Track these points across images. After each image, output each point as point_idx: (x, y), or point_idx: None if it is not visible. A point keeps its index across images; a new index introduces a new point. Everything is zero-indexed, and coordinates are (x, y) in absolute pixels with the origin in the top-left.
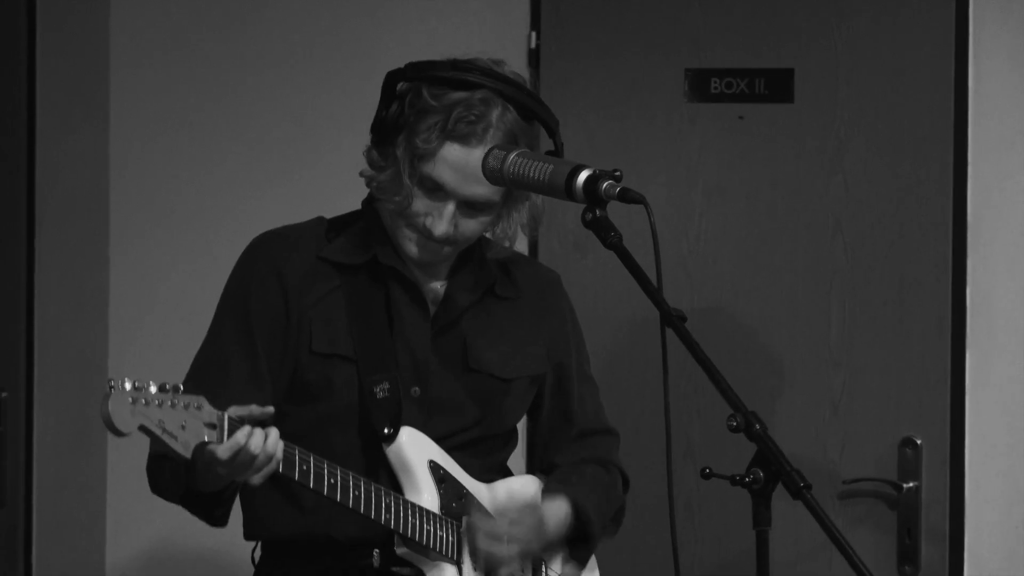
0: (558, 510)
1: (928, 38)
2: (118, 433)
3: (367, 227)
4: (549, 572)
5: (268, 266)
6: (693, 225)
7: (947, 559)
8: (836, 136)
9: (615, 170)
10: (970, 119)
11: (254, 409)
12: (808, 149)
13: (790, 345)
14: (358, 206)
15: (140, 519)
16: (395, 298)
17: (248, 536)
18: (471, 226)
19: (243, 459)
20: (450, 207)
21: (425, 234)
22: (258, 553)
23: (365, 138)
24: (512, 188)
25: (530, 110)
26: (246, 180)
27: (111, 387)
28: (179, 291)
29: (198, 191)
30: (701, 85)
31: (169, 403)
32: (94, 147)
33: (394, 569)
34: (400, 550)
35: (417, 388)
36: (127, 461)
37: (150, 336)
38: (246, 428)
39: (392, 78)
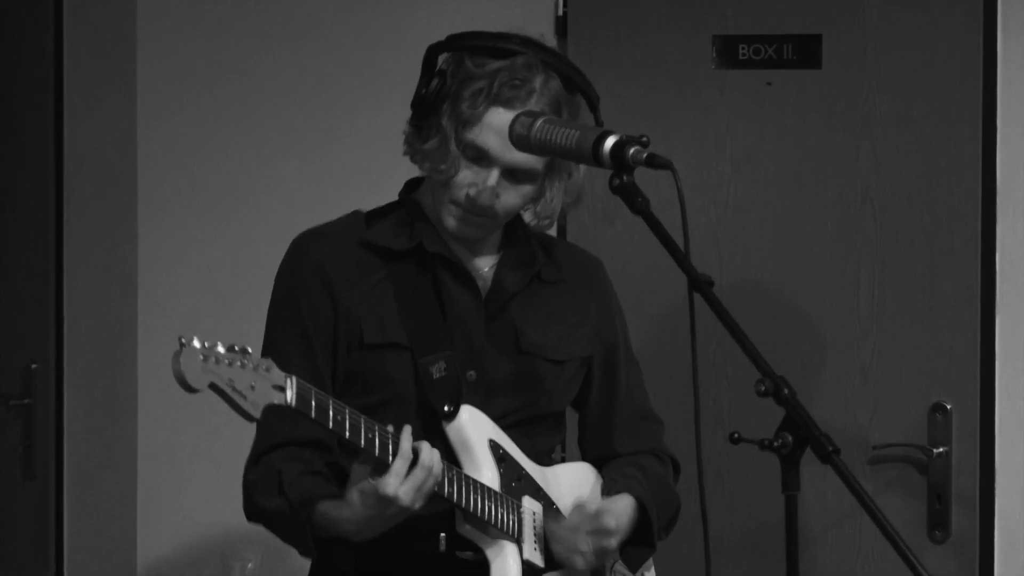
0: (627, 508)
1: (957, 3)
2: (190, 389)
3: (408, 214)
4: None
5: (312, 266)
6: (721, 192)
7: (977, 524)
8: (865, 102)
9: (642, 136)
10: (999, 85)
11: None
12: (837, 115)
13: (820, 312)
14: (389, 179)
15: (171, 491)
16: (445, 284)
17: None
18: (513, 197)
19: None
20: (494, 174)
21: (468, 205)
22: None
23: (391, 109)
24: (539, 155)
25: (573, 81)
26: (274, 153)
27: (182, 344)
28: (207, 263)
29: (226, 163)
30: (729, 51)
31: (239, 363)
32: (121, 120)
33: (458, 553)
34: (463, 528)
35: (473, 372)
36: (157, 432)
37: (179, 308)
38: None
39: (433, 51)
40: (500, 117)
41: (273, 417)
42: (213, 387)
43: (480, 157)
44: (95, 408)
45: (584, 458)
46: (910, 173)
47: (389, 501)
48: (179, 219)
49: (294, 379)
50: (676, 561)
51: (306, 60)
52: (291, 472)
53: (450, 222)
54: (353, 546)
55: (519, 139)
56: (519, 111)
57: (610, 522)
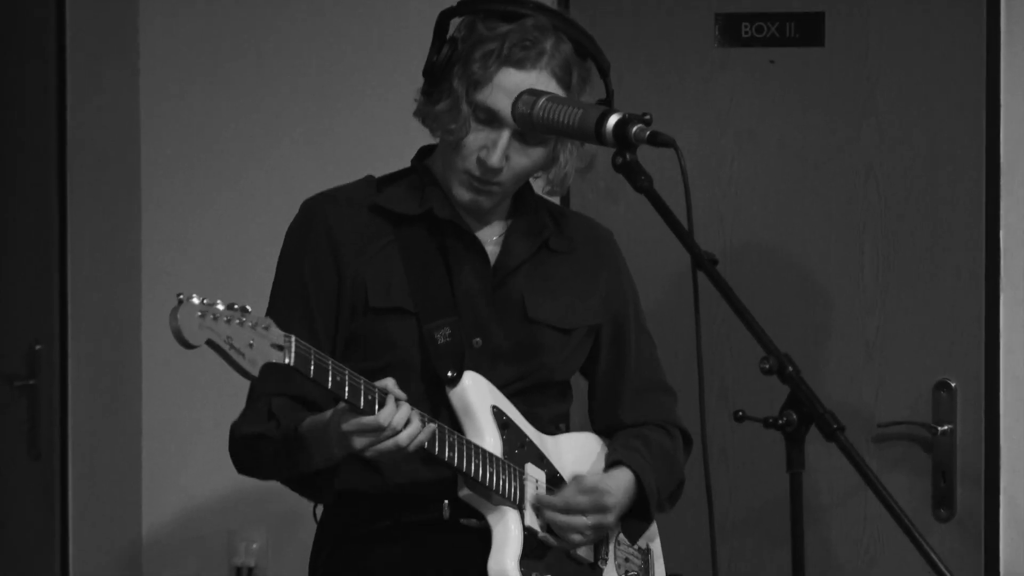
0: (625, 482)
1: None
2: (187, 345)
3: (420, 180)
4: (612, 545)
5: (320, 230)
6: (725, 170)
7: (982, 501)
8: (867, 79)
9: (645, 114)
10: (1002, 60)
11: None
12: (839, 93)
13: (824, 289)
14: (392, 158)
15: (176, 471)
16: (453, 250)
17: None
18: (522, 161)
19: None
20: (504, 136)
21: (479, 168)
22: (320, 509)
23: (394, 88)
24: (542, 133)
25: (584, 47)
26: (277, 128)
27: (180, 300)
28: (210, 242)
29: (228, 143)
30: (731, 30)
31: (237, 321)
32: (124, 101)
33: (462, 520)
34: (463, 492)
35: (479, 339)
36: (162, 412)
37: (182, 287)
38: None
39: (445, 17)
40: (511, 78)
41: (265, 375)
42: (210, 343)
43: (491, 119)
44: (99, 388)
45: (593, 428)
46: (913, 150)
47: (343, 435)
48: (182, 197)
49: (293, 338)
50: (681, 538)
51: (308, 40)
52: (280, 404)
53: (459, 191)
54: (333, 476)
55: (521, 117)
56: (530, 71)
57: (608, 500)
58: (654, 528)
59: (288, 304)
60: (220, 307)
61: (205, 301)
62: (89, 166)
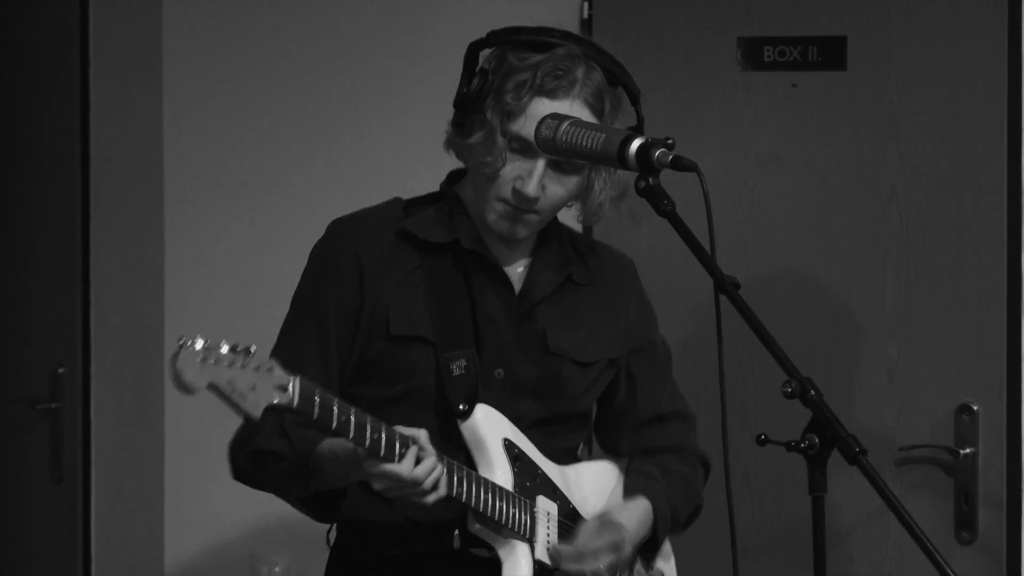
0: (640, 513)
1: (981, 3)
2: (186, 390)
3: (449, 208)
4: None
5: (346, 253)
6: (747, 194)
7: (1004, 525)
8: (890, 103)
9: (667, 138)
10: None
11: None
12: (862, 116)
13: (846, 313)
14: (417, 175)
15: (198, 494)
16: (477, 282)
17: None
18: (558, 191)
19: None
20: (539, 166)
21: (515, 199)
22: (334, 535)
23: (420, 104)
24: (565, 157)
25: (614, 75)
26: (302, 146)
27: (181, 345)
28: (234, 262)
29: (253, 159)
30: (754, 54)
31: (240, 363)
32: (148, 119)
33: (473, 550)
34: (473, 527)
35: (501, 370)
36: (185, 435)
37: (205, 309)
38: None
39: (474, 48)
40: (544, 108)
41: None
42: (212, 387)
43: (526, 148)
44: (122, 411)
45: (600, 444)
46: (936, 173)
47: (365, 474)
48: (205, 219)
49: (297, 379)
50: (704, 561)
51: (333, 55)
52: (291, 421)
53: (494, 219)
54: (342, 497)
55: (545, 142)
56: (563, 101)
57: (622, 535)
58: (669, 552)
59: (305, 317)
60: (223, 349)
61: (208, 344)
62: (112, 187)
